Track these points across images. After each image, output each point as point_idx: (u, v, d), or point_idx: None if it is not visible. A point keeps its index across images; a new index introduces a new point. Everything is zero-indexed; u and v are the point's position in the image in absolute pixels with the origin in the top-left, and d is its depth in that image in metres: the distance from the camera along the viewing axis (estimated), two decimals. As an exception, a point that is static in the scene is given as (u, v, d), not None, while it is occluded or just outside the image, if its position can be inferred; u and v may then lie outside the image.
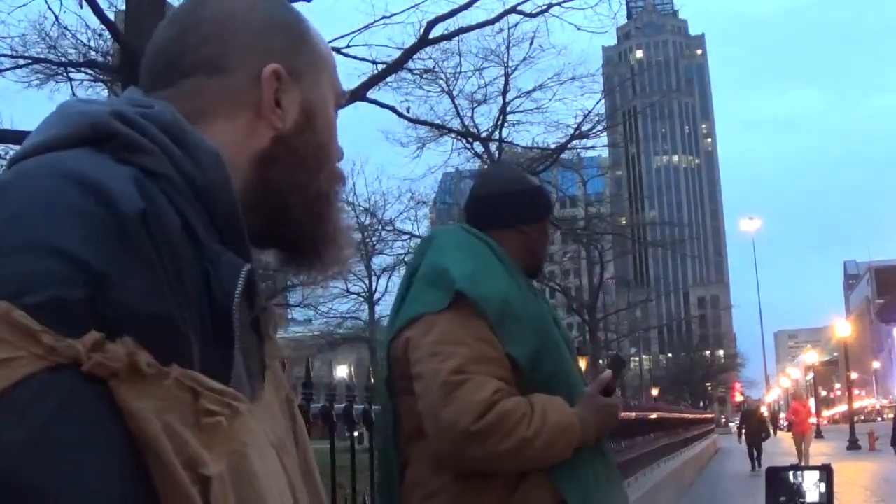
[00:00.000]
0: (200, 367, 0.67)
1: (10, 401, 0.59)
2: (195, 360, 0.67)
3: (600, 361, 30.47)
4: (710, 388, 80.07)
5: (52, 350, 0.60)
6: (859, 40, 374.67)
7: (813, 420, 21.57)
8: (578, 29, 15.04)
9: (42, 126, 0.77)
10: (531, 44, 18.02)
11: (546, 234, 2.21)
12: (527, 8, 14.70)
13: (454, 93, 18.51)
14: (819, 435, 36.87)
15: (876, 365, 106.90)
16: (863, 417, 61.38)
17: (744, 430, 21.64)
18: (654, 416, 12.25)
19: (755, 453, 19.77)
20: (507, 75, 19.11)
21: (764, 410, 26.09)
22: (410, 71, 15.36)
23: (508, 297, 1.94)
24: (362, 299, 27.35)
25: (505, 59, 18.66)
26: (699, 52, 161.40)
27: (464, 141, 20.07)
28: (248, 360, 0.74)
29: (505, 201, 2.13)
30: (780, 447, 16.02)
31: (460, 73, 17.57)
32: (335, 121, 0.93)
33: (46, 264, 0.62)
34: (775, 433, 18.91)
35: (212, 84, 0.85)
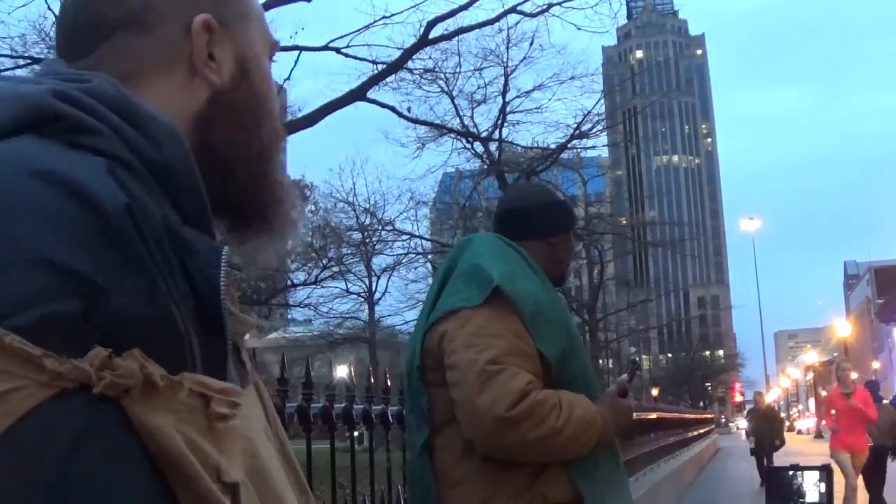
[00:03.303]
0: (201, 366, 0.63)
1: (20, 439, 0.52)
2: (198, 361, 0.63)
3: (600, 362, 30.46)
4: (710, 388, 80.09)
5: (57, 375, 0.54)
6: (844, 37, 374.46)
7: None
8: (578, 29, 15.09)
9: None
10: (531, 44, 18.06)
11: (570, 245, 2.36)
12: (527, 8, 14.76)
13: (454, 93, 18.55)
14: (818, 435, 36.69)
15: (876, 365, 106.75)
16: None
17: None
18: (654, 416, 12.24)
19: (765, 464, 14.38)
20: (506, 75, 19.13)
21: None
22: (410, 71, 15.39)
23: (539, 299, 2.05)
24: (362, 299, 27.29)
25: (504, 59, 18.68)
26: (699, 51, 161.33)
27: (463, 141, 20.10)
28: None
29: (534, 214, 2.29)
30: (783, 447, 15.88)
31: (460, 73, 17.61)
32: (270, 73, 0.87)
33: (32, 278, 0.56)
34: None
35: (138, 42, 0.77)
